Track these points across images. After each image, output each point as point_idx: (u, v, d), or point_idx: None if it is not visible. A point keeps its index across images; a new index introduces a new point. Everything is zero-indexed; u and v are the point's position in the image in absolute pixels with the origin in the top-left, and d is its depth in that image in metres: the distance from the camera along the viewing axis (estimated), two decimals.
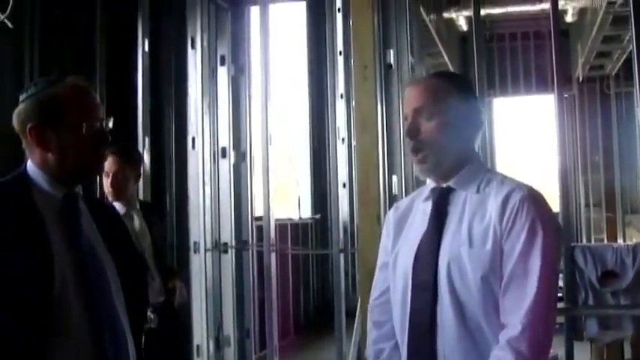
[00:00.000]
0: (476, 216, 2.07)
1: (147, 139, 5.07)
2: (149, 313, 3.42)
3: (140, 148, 5.03)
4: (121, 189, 3.79)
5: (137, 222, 3.80)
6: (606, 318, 4.69)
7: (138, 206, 3.91)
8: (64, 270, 1.88)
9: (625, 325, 4.68)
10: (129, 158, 3.86)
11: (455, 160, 2.15)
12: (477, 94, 2.36)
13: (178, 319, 3.87)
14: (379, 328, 2.27)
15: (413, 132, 2.13)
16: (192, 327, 5.69)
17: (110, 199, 3.77)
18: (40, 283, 1.83)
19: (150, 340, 3.46)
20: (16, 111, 2.00)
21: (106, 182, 3.79)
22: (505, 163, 13.54)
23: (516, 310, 1.95)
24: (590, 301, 4.56)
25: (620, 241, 12.60)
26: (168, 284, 3.76)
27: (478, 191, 2.11)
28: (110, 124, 2.07)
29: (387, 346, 2.23)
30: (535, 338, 1.92)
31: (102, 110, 2.05)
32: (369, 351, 2.28)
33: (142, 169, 4.00)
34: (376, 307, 2.30)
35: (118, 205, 3.70)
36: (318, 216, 10.19)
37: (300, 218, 9.80)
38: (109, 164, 3.73)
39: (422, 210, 2.21)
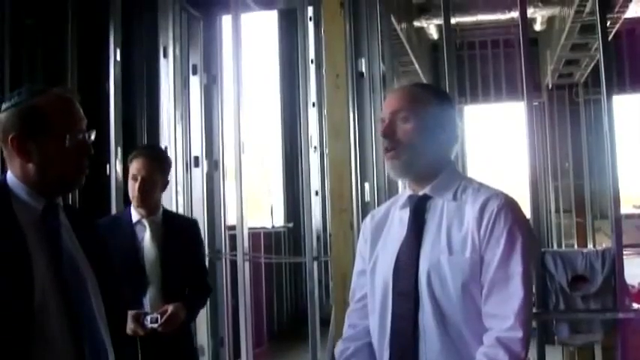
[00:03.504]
0: (454, 223, 2.10)
1: (119, 149, 5.04)
2: (147, 318, 3.29)
3: (112, 159, 5.01)
4: (148, 194, 3.50)
5: (148, 233, 3.51)
6: (577, 322, 4.73)
7: (160, 216, 3.60)
8: (44, 283, 1.87)
9: (595, 329, 4.72)
10: (160, 162, 3.58)
11: (429, 165, 2.18)
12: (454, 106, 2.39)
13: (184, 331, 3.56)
14: (353, 329, 2.31)
15: (388, 132, 2.16)
16: None
17: (134, 204, 3.53)
18: (20, 295, 1.82)
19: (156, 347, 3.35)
20: None
21: (133, 186, 3.51)
22: (476, 170, 13.62)
23: (503, 313, 1.99)
24: (561, 306, 4.60)
25: (590, 246, 12.70)
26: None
27: (455, 198, 2.14)
28: (92, 137, 2.06)
29: (353, 345, 2.27)
30: (523, 337, 1.98)
31: (85, 122, 2.03)
32: (338, 346, 2.33)
33: (168, 176, 3.68)
34: (355, 312, 2.34)
35: (135, 212, 3.55)
36: (290, 224, 10.19)
37: (273, 227, 9.80)
38: (137, 167, 3.50)
39: (399, 218, 2.24)
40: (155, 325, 3.26)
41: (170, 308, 3.32)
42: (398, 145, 2.14)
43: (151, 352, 3.35)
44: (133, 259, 3.46)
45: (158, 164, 3.55)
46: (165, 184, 3.63)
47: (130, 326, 3.23)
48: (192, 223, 3.89)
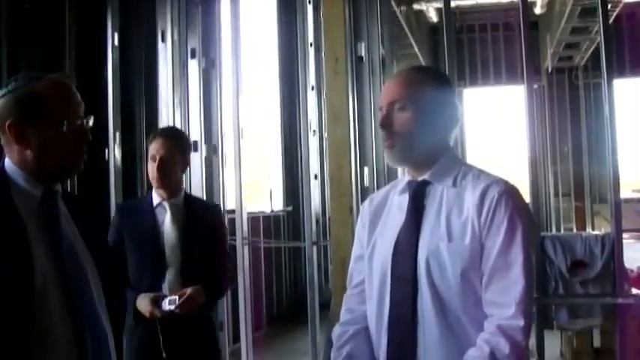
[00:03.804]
0: (453, 210, 2.08)
1: (117, 134, 5.02)
2: (166, 300, 3.22)
3: (110, 143, 4.99)
4: (167, 175, 3.41)
5: (168, 216, 3.43)
6: (576, 307, 4.74)
7: (182, 199, 3.53)
8: (44, 270, 1.86)
9: (594, 314, 4.74)
10: (179, 141, 3.51)
11: (427, 152, 2.16)
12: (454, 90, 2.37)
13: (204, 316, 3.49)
14: (351, 314, 2.30)
15: (385, 123, 2.15)
16: None
17: (154, 185, 3.46)
18: (20, 283, 1.81)
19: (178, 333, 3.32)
20: None
21: (152, 167, 3.42)
22: (475, 153, 13.62)
23: (504, 301, 1.98)
24: (560, 291, 4.60)
25: (588, 229, 12.74)
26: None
27: (454, 185, 2.12)
28: (91, 122, 2.04)
29: (352, 328, 2.26)
30: (525, 326, 1.97)
31: (83, 107, 2.02)
32: (335, 330, 2.31)
33: (190, 157, 3.62)
34: (352, 297, 2.32)
35: (156, 195, 3.48)
36: (290, 208, 10.19)
37: (272, 211, 9.80)
38: (156, 147, 3.41)
39: (398, 203, 2.22)
40: (172, 307, 3.21)
41: (188, 291, 3.25)
42: (394, 136, 2.13)
43: (170, 335, 3.30)
44: (152, 243, 3.41)
45: (177, 144, 3.48)
46: (185, 165, 3.56)
47: (147, 308, 3.20)
48: (215, 208, 3.83)
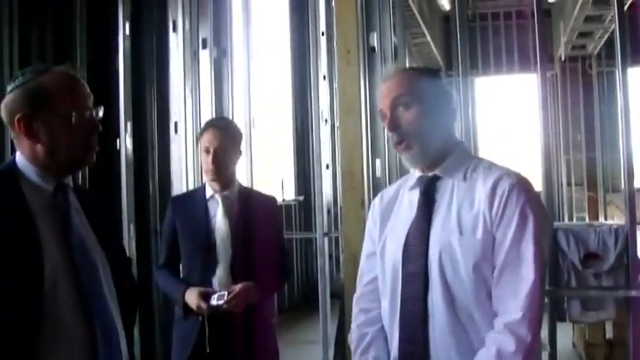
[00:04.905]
0: (464, 203, 2.08)
1: (129, 124, 5.02)
2: (215, 295, 3.18)
3: (122, 133, 4.98)
4: (222, 167, 3.37)
5: (220, 209, 3.39)
6: (589, 299, 4.71)
7: (236, 192, 3.47)
8: (54, 265, 1.86)
9: (607, 306, 4.69)
10: (231, 132, 3.45)
11: (440, 148, 2.16)
12: (459, 75, 2.37)
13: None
14: (366, 314, 2.28)
15: (394, 125, 2.14)
16: None
17: (209, 177, 3.41)
18: (30, 278, 1.81)
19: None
20: (4, 102, 1.96)
21: (206, 159, 3.37)
22: (487, 142, 13.57)
23: (513, 296, 1.97)
24: (573, 283, 4.57)
25: (601, 219, 12.69)
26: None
27: (465, 179, 2.12)
28: (100, 113, 2.04)
29: (370, 331, 2.24)
30: (533, 322, 1.96)
31: (91, 99, 2.02)
32: (354, 335, 2.29)
33: (241, 148, 3.53)
34: (364, 295, 2.32)
35: (209, 187, 3.45)
36: (301, 197, 10.19)
37: (284, 200, 9.80)
38: (209, 139, 3.37)
39: (408, 199, 2.22)
40: (220, 303, 3.18)
41: (238, 287, 3.21)
42: (407, 137, 2.12)
43: (217, 331, 3.27)
44: (203, 236, 3.36)
45: (230, 135, 3.43)
46: (238, 155, 3.50)
47: (195, 302, 3.19)
48: (271, 201, 3.67)
